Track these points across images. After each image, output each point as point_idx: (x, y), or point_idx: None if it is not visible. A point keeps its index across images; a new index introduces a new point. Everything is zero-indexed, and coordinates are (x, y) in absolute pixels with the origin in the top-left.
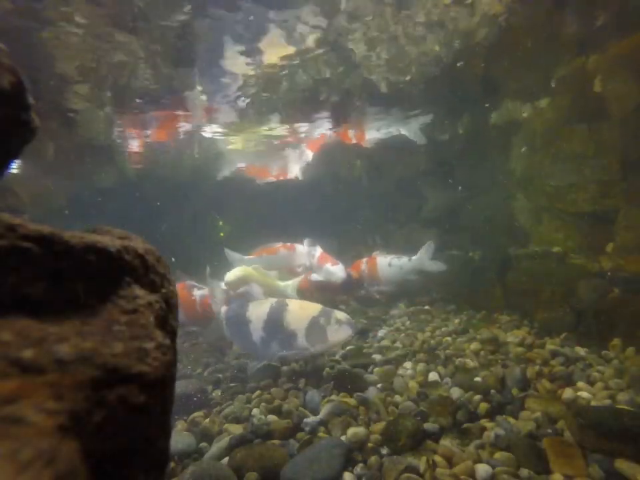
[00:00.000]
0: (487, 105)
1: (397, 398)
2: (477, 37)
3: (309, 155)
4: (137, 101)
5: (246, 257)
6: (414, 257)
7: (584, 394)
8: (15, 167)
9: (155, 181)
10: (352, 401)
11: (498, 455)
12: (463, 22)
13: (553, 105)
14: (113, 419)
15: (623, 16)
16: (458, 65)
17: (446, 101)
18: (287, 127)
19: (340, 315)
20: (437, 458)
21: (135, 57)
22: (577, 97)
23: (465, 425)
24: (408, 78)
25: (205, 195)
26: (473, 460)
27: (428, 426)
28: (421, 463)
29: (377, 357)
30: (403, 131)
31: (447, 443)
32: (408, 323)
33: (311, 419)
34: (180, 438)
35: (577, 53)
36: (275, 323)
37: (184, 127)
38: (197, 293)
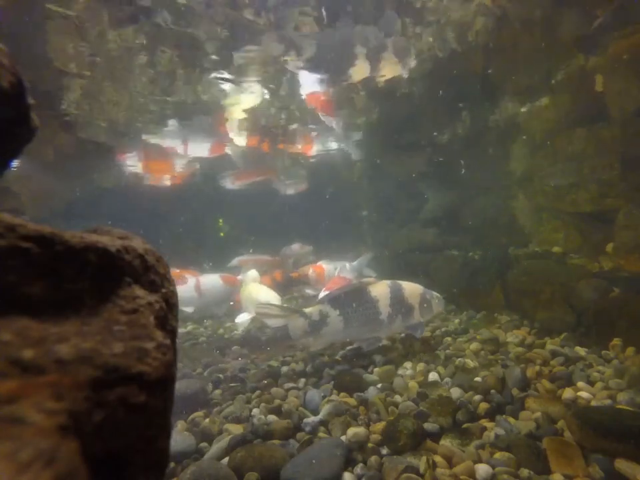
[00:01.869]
0: (486, 105)
1: (397, 398)
2: (474, 31)
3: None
4: None
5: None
6: (353, 263)
7: (584, 394)
8: (15, 167)
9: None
10: (352, 401)
11: (498, 455)
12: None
13: (553, 105)
14: (113, 419)
15: (622, 14)
16: (456, 62)
17: (445, 100)
18: None
19: (433, 292)
20: (437, 458)
21: None
22: (577, 97)
23: (465, 425)
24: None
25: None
26: (473, 460)
27: (428, 426)
28: (421, 463)
29: (377, 357)
30: (343, 145)
31: (447, 442)
32: None
33: (311, 419)
34: (180, 438)
35: (577, 51)
36: (398, 299)
37: None
38: None
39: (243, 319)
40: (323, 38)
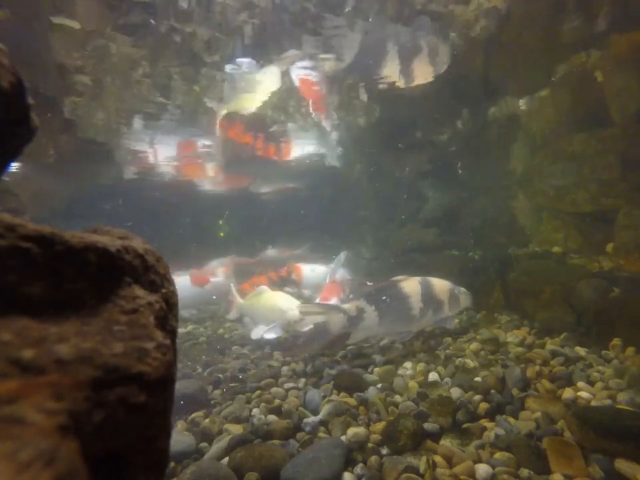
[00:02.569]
0: (486, 103)
1: (397, 398)
2: (475, 30)
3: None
4: None
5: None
6: (331, 265)
7: (584, 394)
8: (15, 167)
9: None
10: (352, 401)
11: (498, 455)
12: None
13: (553, 106)
14: (113, 419)
15: (624, 13)
16: (456, 60)
17: (445, 99)
18: None
19: (461, 287)
20: (437, 458)
21: None
22: (577, 97)
23: (465, 425)
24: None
25: None
26: (473, 460)
27: (428, 426)
28: (421, 463)
29: (377, 357)
30: (322, 150)
31: (447, 442)
32: None
33: (311, 419)
34: (180, 438)
35: (578, 50)
36: (428, 295)
37: None
38: None
39: (260, 333)
40: (361, 41)
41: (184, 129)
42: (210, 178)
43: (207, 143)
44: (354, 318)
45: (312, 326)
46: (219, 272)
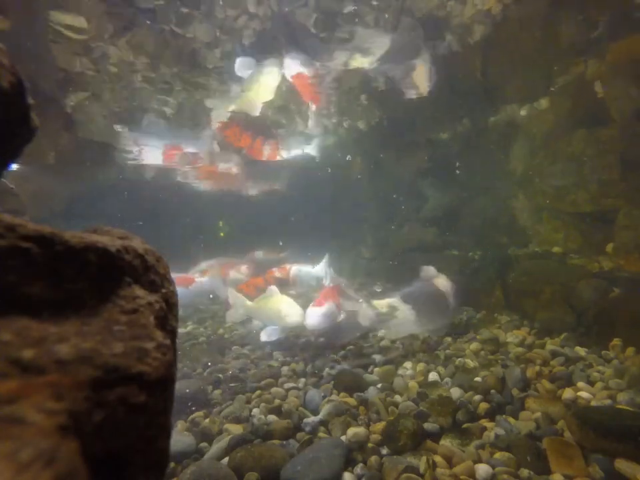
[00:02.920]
0: (486, 106)
1: (397, 398)
2: (473, 33)
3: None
4: None
5: None
6: (316, 267)
7: (584, 394)
8: (15, 167)
9: None
10: (352, 401)
11: (498, 455)
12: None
13: (553, 107)
14: (113, 419)
15: (622, 17)
16: (455, 64)
17: (445, 100)
18: None
19: None
20: (437, 458)
21: None
22: (577, 98)
23: (465, 425)
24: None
25: None
26: (473, 460)
27: (428, 426)
28: (421, 463)
29: (377, 357)
30: (307, 150)
31: (447, 442)
32: None
33: (311, 419)
34: (180, 438)
35: (576, 54)
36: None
37: None
38: None
39: (269, 333)
40: (391, 44)
41: (181, 132)
42: (236, 181)
43: (204, 146)
44: (384, 314)
45: (343, 317)
46: (237, 270)
